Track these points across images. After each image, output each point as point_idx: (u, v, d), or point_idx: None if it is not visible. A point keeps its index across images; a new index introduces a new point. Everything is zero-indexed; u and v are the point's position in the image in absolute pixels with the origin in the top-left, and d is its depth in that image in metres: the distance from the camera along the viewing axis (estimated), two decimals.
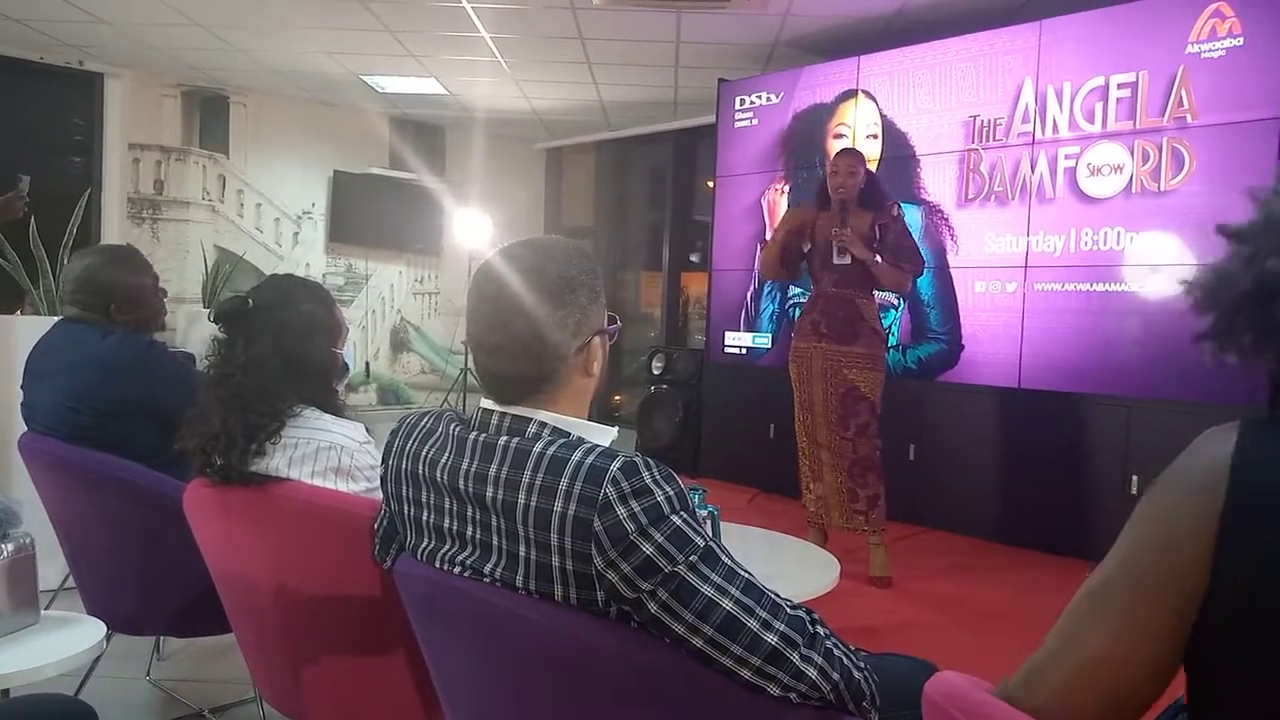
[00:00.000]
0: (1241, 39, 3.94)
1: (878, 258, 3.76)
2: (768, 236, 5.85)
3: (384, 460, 1.37)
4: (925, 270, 4.10)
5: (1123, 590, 0.84)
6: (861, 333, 3.79)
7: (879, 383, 3.82)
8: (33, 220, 4.64)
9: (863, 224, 3.77)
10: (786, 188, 5.79)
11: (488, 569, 1.18)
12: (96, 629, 1.80)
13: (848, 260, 3.75)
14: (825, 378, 3.82)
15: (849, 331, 3.79)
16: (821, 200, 3.88)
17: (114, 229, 6.94)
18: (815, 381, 3.86)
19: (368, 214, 8.07)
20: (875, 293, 3.90)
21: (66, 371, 2.38)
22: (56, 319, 2.56)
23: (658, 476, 1.09)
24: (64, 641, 1.73)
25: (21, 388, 2.51)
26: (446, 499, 1.23)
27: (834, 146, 5.54)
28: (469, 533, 1.21)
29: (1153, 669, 0.83)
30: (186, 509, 1.87)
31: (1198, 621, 0.80)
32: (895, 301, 5.10)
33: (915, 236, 4.11)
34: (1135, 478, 4.16)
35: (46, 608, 1.85)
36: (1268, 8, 3.88)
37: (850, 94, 5.44)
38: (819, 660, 1.10)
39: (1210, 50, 4.03)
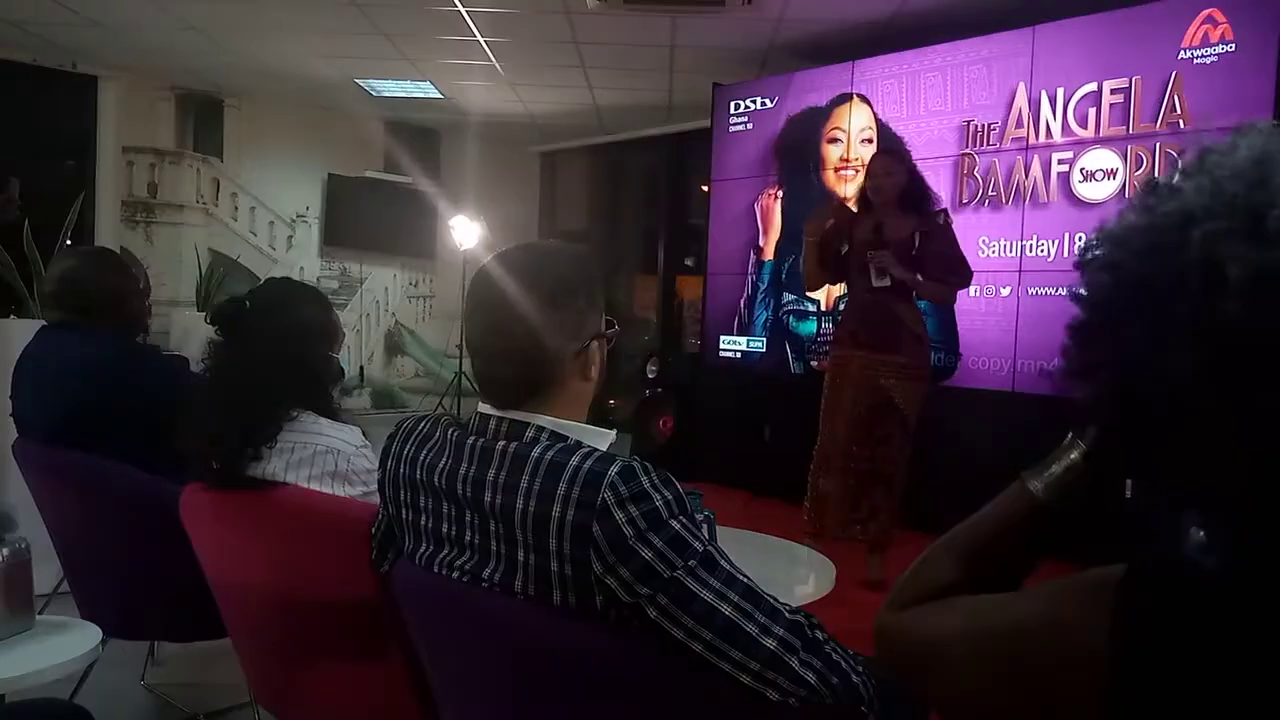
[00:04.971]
0: (1234, 45, 3.96)
1: (919, 276, 3.54)
2: (761, 242, 5.88)
3: (381, 465, 1.36)
4: (971, 280, 3.75)
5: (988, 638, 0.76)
6: (903, 340, 3.60)
7: (918, 395, 3.62)
8: (26, 223, 4.64)
9: (903, 230, 3.58)
10: (780, 193, 5.80)
11: (486, 574, 1.18)
12: (92, 634, 1.79)
13: (887, 283, 3.54)
14: (858, 386, 3.62)
15: (889, 339, 3.59)
16: (861, 201, 3.73)
17: (108, 232, 6.92)
18: (845, 389, 3.65)
19: (362, 217, 8.06)
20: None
21: (52, 379, 2.36)
22: (40, 324, 2.55)
23: (656, 481, 1.09)
24: (59, 646, 1.73)
25: (11, 397, 2.49)
26: (444, 504, 1.23)
27: (829, 151, 5.55)
28: (467, 537, 1.20)
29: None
30: (183, 513, 1.86)
31: None
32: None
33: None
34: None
35: (40, 612, 1.84)
36: (1259, 13, 3.90)
37: (845, 98, 5.45)
38: (818, 664, 1.10)
39: (1203, 56, 4.04)
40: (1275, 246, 0.56)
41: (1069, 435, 0.84)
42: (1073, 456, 0.83)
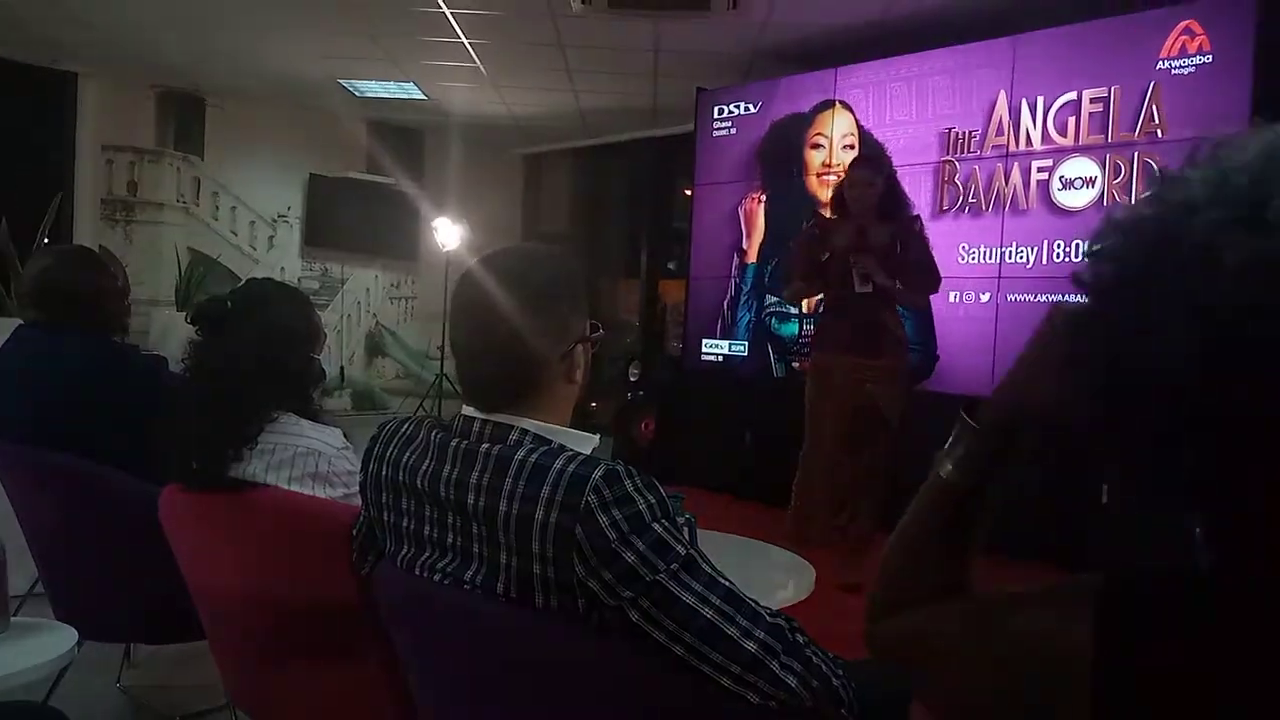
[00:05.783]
0: (1211, 56, 4.01)
1: (899, 283, 3.60)
2: (745, 245, 5.89)
3: (363, 466, 1.36)
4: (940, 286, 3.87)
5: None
6: (885, 344, 3.66)
7: (900, 397, 3.67)
8: (4, 221, 4.60)
9: (881, 235, 3.63)
10: (764, 197, 5.82)
11: (468, 576, 1.18)
12: (67, 636, 1.77)
13: (869, 288, 3.57)
14: (843, 391, 3.66)
15: (872, 342, 3.64)
16: (838, 206, 3.77)
17: (87, 230, 6.86)
18: (830, 397, 3.69)
19: (344, 218, 8.03)
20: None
21: (28, 379, 2.33)
22: (17, 323, 2.52)
23: (639, 485, 1.09)
24: (34, 649, 1.70)
25: None
26: (426, 506, 1.23)
27: (812, 157, 5.58)
28: (449, 540, 1.20)
29: None
30: (161, 515, 1.85)
31: None
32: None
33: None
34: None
35: (15, 614, 1.82)
36: (1235, 26, 3.95)
37: (828, 104, 5.48)
38: (798, 668, 1.10)
39: (1180, 67, 4.09)
40: (1273, 236, 0.56)
41: (960, 414, 0.85)
42: (968, 435, 0.84)
